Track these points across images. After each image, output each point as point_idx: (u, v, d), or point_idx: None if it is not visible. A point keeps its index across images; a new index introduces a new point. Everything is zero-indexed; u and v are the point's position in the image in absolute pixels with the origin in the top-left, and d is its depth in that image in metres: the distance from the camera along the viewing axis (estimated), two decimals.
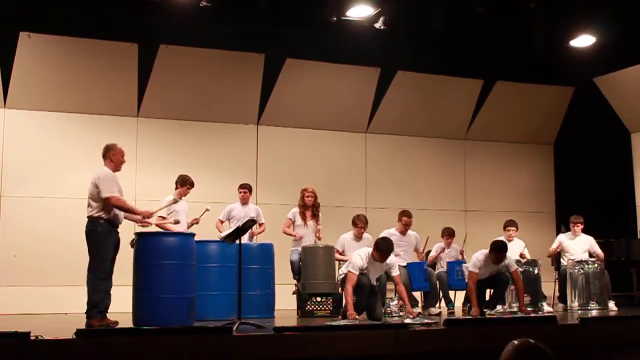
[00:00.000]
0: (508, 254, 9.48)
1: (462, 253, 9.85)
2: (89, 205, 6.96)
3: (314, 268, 8.76)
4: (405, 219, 9.36)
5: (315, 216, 9.35)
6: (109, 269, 6.91)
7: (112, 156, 7.13)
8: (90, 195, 6.95)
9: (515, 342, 2.81)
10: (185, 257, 7.19)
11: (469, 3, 10.01)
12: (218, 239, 7.80)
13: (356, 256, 7.74)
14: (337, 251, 9.20)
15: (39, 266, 9.98)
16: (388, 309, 8.77)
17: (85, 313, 6.82)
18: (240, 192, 9.46)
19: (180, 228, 8.49)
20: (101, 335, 5.09)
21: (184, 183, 8.85)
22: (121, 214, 7.03)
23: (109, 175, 7.00)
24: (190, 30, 10.35)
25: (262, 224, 9.38)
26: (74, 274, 9.90)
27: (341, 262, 8.96)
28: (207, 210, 8.57)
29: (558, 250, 9.93)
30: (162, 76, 10.64)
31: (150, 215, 7.37)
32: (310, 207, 9.33)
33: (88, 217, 6.96)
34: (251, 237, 9.29)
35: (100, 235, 6.89)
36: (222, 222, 9.28)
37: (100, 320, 6.70)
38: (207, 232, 8.70)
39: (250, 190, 9.55)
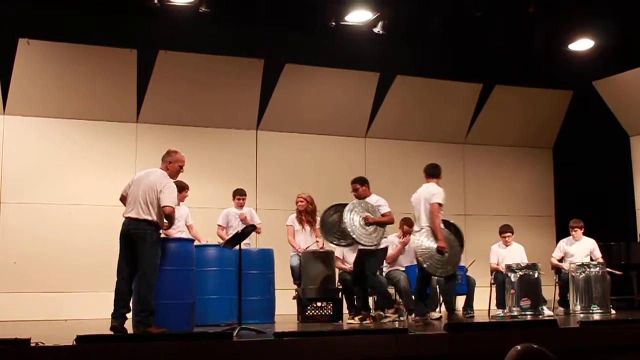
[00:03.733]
0: (510, 259, 9.55)
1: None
2: (146, 207, 6.55)
3: (314, 273, 8.74)
4: (406, 228, 9.38)
5: (309, 222, 9.27)
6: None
7: (169, 163, 6.83)
8: (149, 198, 6.56)
9: (518, 347, 2.81)
10: (184, 263, 7.18)
11: (468, 7, 10.02)
12: (217, 244, 7.79)
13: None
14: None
15: (39, 273, 9.97)
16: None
17: (140, 322, 6.49)
18: (240, 200, 9.43)
19: (179, 234, 8.51)
20: (101, 341, 5.07)
21: (182, 189, 8.86)
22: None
23: (173, 185, 6.75)
24: (190, 36, 10.36)
25: (259, 224, 9.36)
26: (74, 280, 9.98)
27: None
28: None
29: (560, 258, 9.92)
30: (162, 82, 10.64)
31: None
32: (303, 212, 9.29)
33: (140, 219, 6.54)
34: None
35: (158, 243, 6.65)
36: (222, 228, 9.27)
37: (157, 327, 6.48)
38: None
39: (246, 196, 9.58)
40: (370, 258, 8.23)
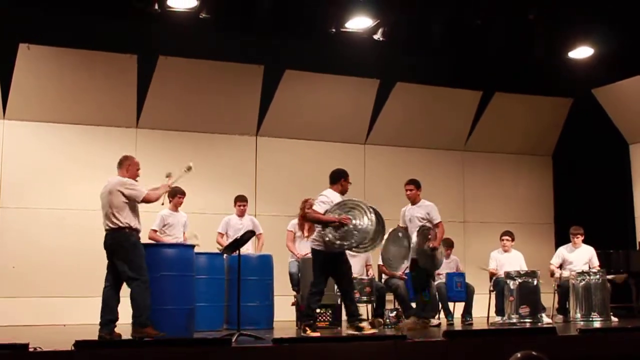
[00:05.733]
0: (508, 265, 9.54)
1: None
2: (112, 216, 6.69)
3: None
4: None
5: (311, 229, 9.24)
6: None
7: (129, 166, 6.97)
8: (112, 205, 6.70)
9: (518, 354, 2.80)
10: (184, 269, 7.18)
11: (468, 14, 10.03)
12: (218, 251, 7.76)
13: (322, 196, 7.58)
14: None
15: (38, 277, 9.96)
16: (387, 319, 8.77)
17: (137, 324, 6.59)
18: (241, 206, 9.43)
19: (176, 241, 8.51)
20: (100, 346, 5.07)
21: (175, 194, 8.86)
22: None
23: (132, 181, 6.87)
24: (190, 42, 10.36)
25: (261, 234, 9.36)
26: (73, 285, 9.97)
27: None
28: (196, 238, 8.59)
29: (559, 265, 9.93)
30: (161, 87, 10.65)
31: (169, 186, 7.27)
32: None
33: (113, 228, 6.71)
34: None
35: (136, 244, 6.75)
36: (222, 235, 9.26)
37: (154, 328, 6.55)
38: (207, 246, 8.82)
39: (247, 202, 9.57)
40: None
